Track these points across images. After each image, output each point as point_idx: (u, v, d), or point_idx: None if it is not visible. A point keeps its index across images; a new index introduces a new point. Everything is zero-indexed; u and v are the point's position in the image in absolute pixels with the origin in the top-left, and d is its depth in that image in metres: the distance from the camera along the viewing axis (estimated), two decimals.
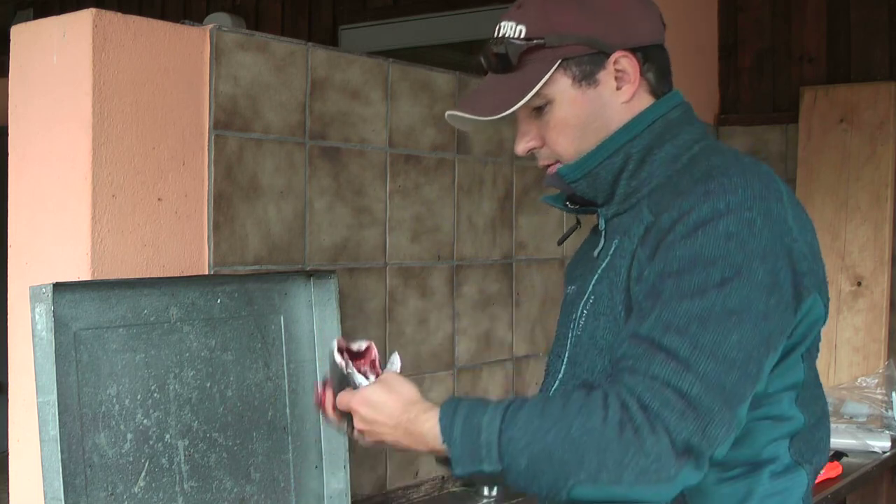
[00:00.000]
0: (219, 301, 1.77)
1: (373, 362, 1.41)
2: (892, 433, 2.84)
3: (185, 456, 1.70)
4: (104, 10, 1.69)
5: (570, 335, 1.42)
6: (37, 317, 1.52)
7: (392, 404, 1.32)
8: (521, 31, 1.38)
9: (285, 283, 1.88)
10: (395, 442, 1.32)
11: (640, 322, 1.23)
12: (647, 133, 1.38)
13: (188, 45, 1.81)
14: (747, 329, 1.19)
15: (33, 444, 1.60)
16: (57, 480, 1.51)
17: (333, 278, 1.91)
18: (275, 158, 1.97)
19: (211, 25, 1.86)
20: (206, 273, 1.84)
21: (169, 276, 1.77)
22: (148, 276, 1.74)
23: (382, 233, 2.19)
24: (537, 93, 1.35)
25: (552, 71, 1.36)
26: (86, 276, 1.67)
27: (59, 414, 1.51)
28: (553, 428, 1.18)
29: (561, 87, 1.37)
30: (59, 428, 1.51)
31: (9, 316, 1.77)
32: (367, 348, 1.43)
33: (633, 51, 1.38)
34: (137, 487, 1.63)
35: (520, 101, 1.35)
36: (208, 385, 1.74)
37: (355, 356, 1.41)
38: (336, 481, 1.90)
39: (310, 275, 1.90)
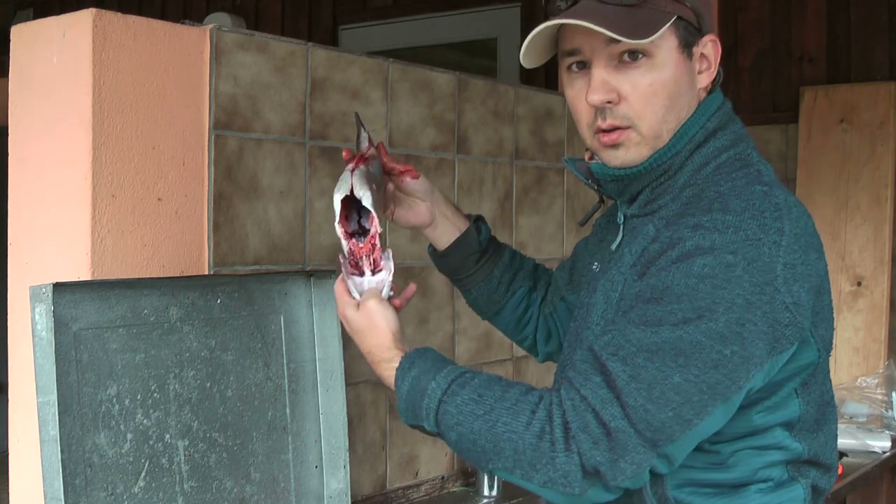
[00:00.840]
0: (219, 301, 1.77)
1: (372, 248, 1.45)
2: (892, 433, 2.85)
3: (185, 456, 1.70)
4: (104, 10, 1.69)
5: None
6: (37, 317, 1.52)
7: (367, 339, 1.39)
8: None
9: (285, 283, 1.88)
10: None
11: (600, 336, 1.24)
12: (687, 146, 1.33)
13: (188, 45, 1.81)
14: (692, 373, 1.16)
15: (33, 444, 1.60)
16: (57, 480, 1.50)
17: (333, 278, 1.91)
18: (275, 158, 1.97)
19: (211, 25, 1.86)
20: (206, 273, 1.84)
21: (169, 276, 1.77)
22: (148, 276, 1.74)
23: (382, 233, 2.18)
24: (647, 41, 1.26)
25: (672, 21, 1.28)
26: (86, 276, 1.67)
27: (59, 414, 1.51)
28: (483, 416, 1.23)
29: (669, 44, 1.30)
30: (59, 428, 1.51)
31: (9, 316, 1.77)
32: (371, 237, 1.47)
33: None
34: (137, 487, 1.63)
35: (660, 29, 1.26)
36: (208, 385, 1.74)
37: (357, 232, 1.46)
38: (336, 481, 1.90)
39: (310, 275, 1.90)
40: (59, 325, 1.53)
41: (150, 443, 1.65)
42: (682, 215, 1.26)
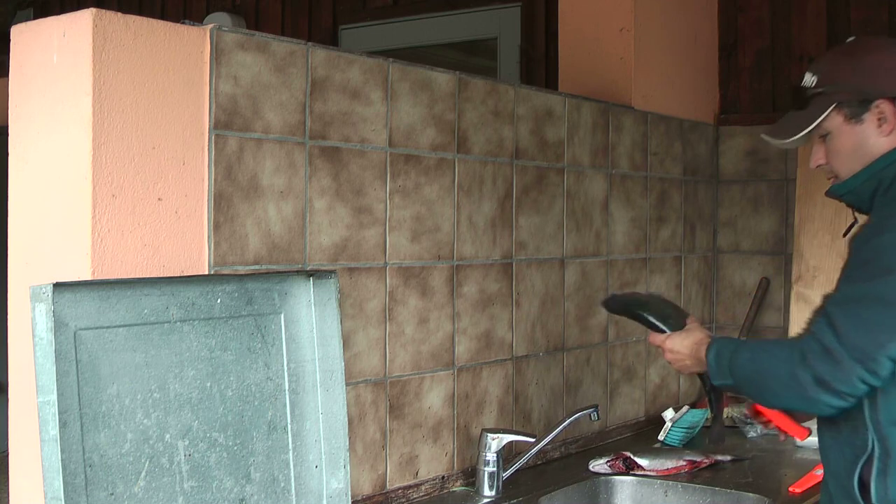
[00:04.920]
0: (219, 301, 1.77)
1: None
2: None
3: (185, 456, 1.70)
4: (104, 10, 1.69)
5: None
6: (37, 317, 1.52)
7: (685, 342, 2.05)
8: (814, 81, 1.92)
9: (285, 283, 1.88)
10: (687, 365, 2.05)
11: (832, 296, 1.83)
12: (894, 165, 1.86)
13: (188, 45, 1.82)
14: (882, 310, 1.70)
15: (33, 444, 1.60)
16: (57, 480, 1.51)
17: (333, 278, 1.91)
18: (275, 158, 1.97)
19: (211, 25, 1.86)
20: (206, 273, 1.84)
21: (169, 275, 1.77)
22: (148, 275, 1.74)
23: (382, 233, 2.19)
24: (818, 125, 1.90)
25: (829, 111, 1.89)
26: (86, 276, 1.67)
27: (59, 414, 1.51)
28: (765, 358, 1.83)
29: (836, 123, 1.90)
30: (59, 428, 1.51)
31: (9, 316, 1.77)
32: None
33: (893, 99, 1.86)
34: (137, 487, 1.63)
35: (802, 131, 1.92)
36: (208, 385, 1.74)
37: None
38: (336, 481, 1.91)
39: (310, 275, 1.90)
40: (59, 325, 1.53)
41: (150, 442, 1.65)
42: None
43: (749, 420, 2.77)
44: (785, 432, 2.05)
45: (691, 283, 3.35)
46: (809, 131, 1.92)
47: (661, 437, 2.88)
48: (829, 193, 2.00)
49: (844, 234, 2.10)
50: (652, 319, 2.13)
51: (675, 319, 2.10)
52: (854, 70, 1.90)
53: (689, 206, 3.31)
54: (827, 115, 1.90)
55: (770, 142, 2.02)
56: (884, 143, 1.89)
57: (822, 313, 1.80)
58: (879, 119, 1.88)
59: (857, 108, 1.89)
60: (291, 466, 1.86)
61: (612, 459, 2.58)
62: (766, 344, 1.95)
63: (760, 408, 2.03)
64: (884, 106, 1.88)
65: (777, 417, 2.03)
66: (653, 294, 2.18)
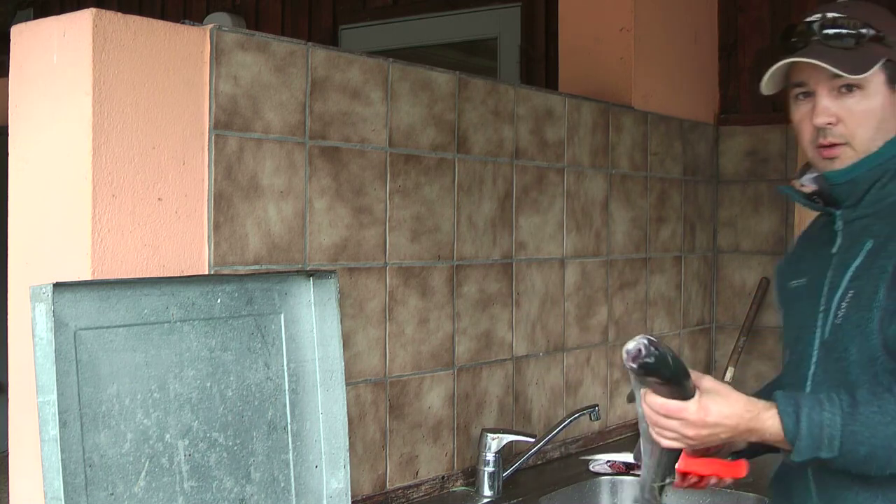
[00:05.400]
0: (219, 301, 1.77)
1: None
2: None
3: (185, 456, 1.70)
4: (104, 10, 1.69)
5: (820, 324, 1.68)
6: (37, 317, 1.52)
7: (722, 415, 1.54)
8: (867, 25, 1.65)
9: (285, 283, 1.88)
10: (723, 439, 1.57)
11: None
12: None
13: (188, 45, 1.82)
14: None
15: (33, 444, 1.60)
16: (57, 480, 1.51)
17: (333, 278, 1.91)
18: (275, 158, 1.97)
19: (211, 25, 1.86)
20: (206, 273, 1.84)
21: (169, 275, 1.77)
22: (148, 275, 1.74)
23: (382, 233, 2.19)
24: (862, 77, 1.62)
25: (883, 61, 1.64)
26: (86, 276, 1.67)
27: (59, 414, 1.51)
28: (892, 422, 1.49)
29: (878, 80, 1.65)
30: (59, 428, 1.51)
31: (9, 316, 1.77)
32: None
33: None
34: (137, 487, 1.63)
35: (870, 69, 1.61)
36: (208, 385, 1.74)
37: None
38: (336, 481, 1.91)
39: (310, 275, 1.90)
40: (59, 325, 1.53)
41: (150, 442, 1.65)
42: None
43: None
44: (723, 478, 1.71)
45: (691, 283, 3.35)
46: (867, 75, 1.63)
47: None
48: (814, 181, 1.72)
49: (807, 232, 1.90)
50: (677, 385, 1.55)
51: (687, 380, 1.54)
52: None
53: (689, 206, 3.31)
54: (876, 68, 1.64)
55: (830, 69, 1.63)
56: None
57: None
58: None
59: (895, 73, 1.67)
60: (291, 466, 1.86)
61: (612, 460, 2.59)
62: (873, 402, 1.52)
63: (688, 468, 1.66)
64: None
65: (709, 466, 1.67)
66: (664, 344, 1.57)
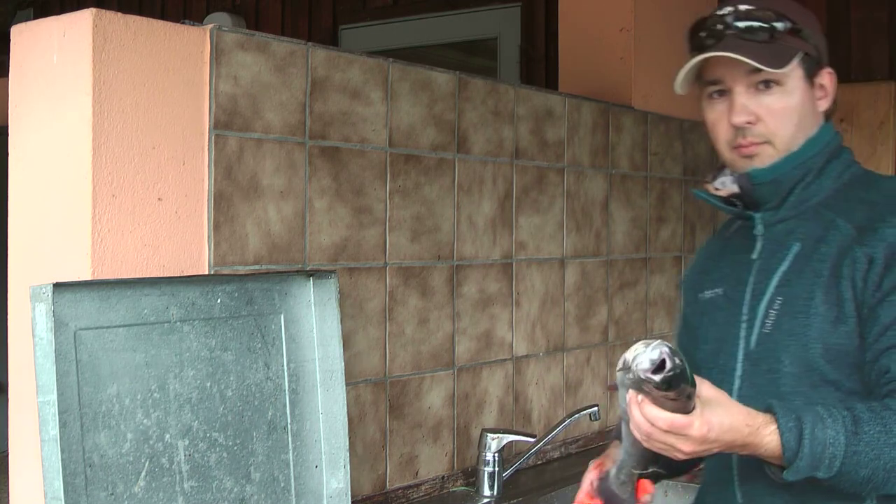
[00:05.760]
0: (219, 301, 1.77)
1: None
2: None
3: (185, 456, 1.70)
4: (104, 10, 1.69)
5: (744, 334, 1.59)
6: (37, 317, 1.52)
7: (736, 423, 1.38)
8: (782, 18, 1.55)
9: (285, 283, 1.88)
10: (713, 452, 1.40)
11: None
12: (825, 150, 1.59)
13: (188, 45, 1.81)
14: None
15: (33, 444, 1.60)
16: (57, 480, 1.51)
17: (333, 278, 1.91)
18: (275, 158, 1.97)
19: (211, 25, 1.86)
20: (206, 273, 1.84)
21: (169, 276, 1.77)
22: (148, 276, 1.74)
23: (382, 233, 2.19)
24: (782, 71, 1.53)
25: (801, 55, 1.56)
26: (86, 276, 1.67)
27: (59, 414, 1.51)
28: (888, 439, 1.37)
29: (797, 75, 1.57)
30: (59, 428, 1.51)
31: (9, 316, 1.77)
32: None
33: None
34: (137, 487, 1.63)
35: (790, 62, 1.53)
36: (208, 385, 1.74)
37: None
38: (336, 481, 1.90)
39: (310, 275, 1.90)
40: (59, 325, 1.53)
41: (150, 443, 1.65)
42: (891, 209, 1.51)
43: None
44: (645, 492, 1.56)
45: None
46: (785, 70, 1.54)
47: None
48: (738, 180, 1.60)
49: (717, 233, 1.81)
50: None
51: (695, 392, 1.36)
52: (815, 26, 1.61)
53: (689, 206, 3.31)
54: (796, 60, 1.56)
55: (750, 63, 1.52)
56: (816, 121, 1.61)
57: None
58: (821, 88, 1.62)
59: (814, 67, 1.60)
60: (291, 466, 1.86)
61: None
62: (876, 420, 1.39)
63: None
64: (827, 77, 1.62)
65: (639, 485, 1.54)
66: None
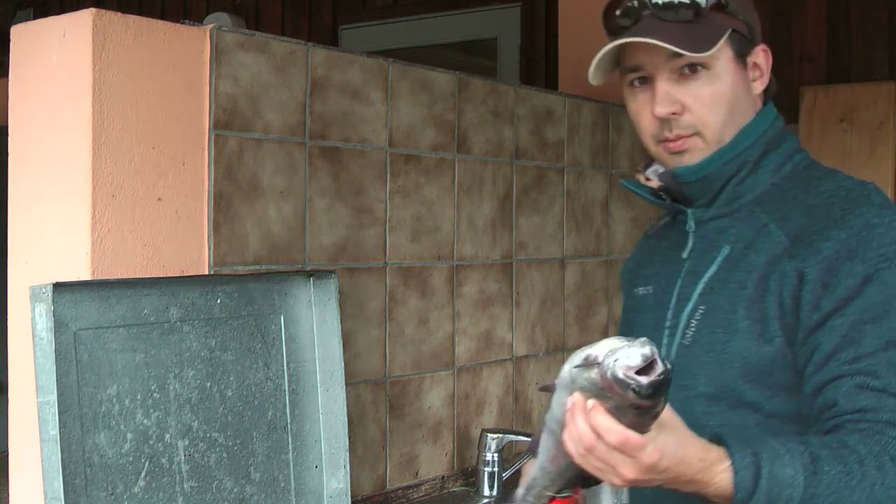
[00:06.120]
0: (219, 301, 1.77)
1: None
2: None
3: (185, 456, 1.70)
4: (104, 10, 1.69)
5: (666, 342, 1.45)
6: (37, 317, 1.52)
7: (688, 457, 1.22)
8: None
9: (285, 283, 1.88)
10: (656, 483, 1.23)
11: (873, 373, 1.26)
12: (762, 141, 1.43)
13: (188, 45, 1.81)
14: None
15: (33, 444, 1.60)
16: (57, 480, 1.50)
17: (333, 278, 1.91)
18: (275, 158, 1.97)
19: (211, 25, 1.86)
20: (206, 273, 1.84)
21: (169, 276, 1.77)
22: (148, 276, 1.74)
23: (382, 233, 2.19)
24: (708, 54, 1.35)
25: (727, 34, 1.38)
26: (86, 276, 1.67)
27: (59, 414, 1.51)
28: (858, 486, 1.22)
29: (726, 56, 1.39)
30: (59, 428, 1.51)
31: (9, 316, 1.77)
32: None
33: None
34: (137, 487, 1.63)
35: (716, 44, 1.35)
36: (208, 385, 1.74)
37: None
38: (336, 481, 1.90)
39: (310, 275, 1.90)
40: (59, 325, 1.53)
41: (150, 443, 1.65)
42: (831, 219, 1.33)
43: None
44: None
45: None
46: (711, 53, 1.36)
47: None
48: (663, 178, 1.46)
49: (648, 234, 1.66)
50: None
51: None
52: (746, 1, 1.44)
53: None
54: (723, 41, 1.38)
55: (669, 48, 1.36)
56: (752, 106, 1.45)
57: (886, 397, 1.26)
58: (755, 67, 1.45)
59: (745, 45, 1.42)
60: (291, 466, 1.86)
61: None
62: (835, 459, 1.24)
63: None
64: (762, 55, 1.45)
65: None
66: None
